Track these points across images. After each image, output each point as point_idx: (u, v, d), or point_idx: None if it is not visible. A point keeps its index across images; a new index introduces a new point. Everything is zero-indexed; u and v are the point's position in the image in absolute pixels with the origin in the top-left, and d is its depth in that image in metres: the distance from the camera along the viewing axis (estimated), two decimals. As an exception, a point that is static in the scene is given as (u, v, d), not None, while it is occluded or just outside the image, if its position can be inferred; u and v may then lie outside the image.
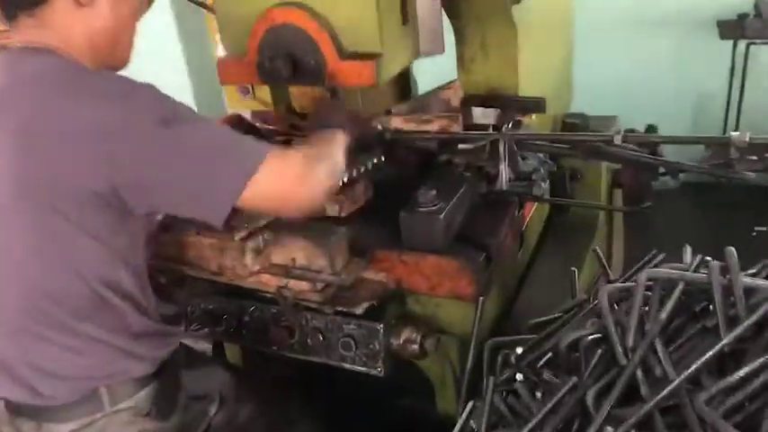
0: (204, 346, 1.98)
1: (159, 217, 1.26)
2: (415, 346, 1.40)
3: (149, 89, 1.05)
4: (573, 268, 1.47)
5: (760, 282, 0.96)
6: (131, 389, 1.15)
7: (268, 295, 1.38)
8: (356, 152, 1.46)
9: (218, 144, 1.05)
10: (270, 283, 1.33)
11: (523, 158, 1.68)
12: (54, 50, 1.10)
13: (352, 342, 1.42)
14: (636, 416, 0.88)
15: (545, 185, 1.57)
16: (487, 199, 1.58)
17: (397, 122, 1.66)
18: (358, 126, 1.46)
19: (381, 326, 1.39)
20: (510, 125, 1.59)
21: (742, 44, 3.29)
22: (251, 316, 1.53)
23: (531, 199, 1.58)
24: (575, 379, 0.99)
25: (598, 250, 1.53)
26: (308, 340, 1.47)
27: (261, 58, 1.44)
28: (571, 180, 2.20)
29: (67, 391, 1.12)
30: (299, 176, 1.10)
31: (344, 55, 1.39)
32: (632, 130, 3.60)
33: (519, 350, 1.29)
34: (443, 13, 1.83)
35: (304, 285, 1.29)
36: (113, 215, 1.05)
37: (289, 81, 1.44)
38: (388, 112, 1.66)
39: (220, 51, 1.62)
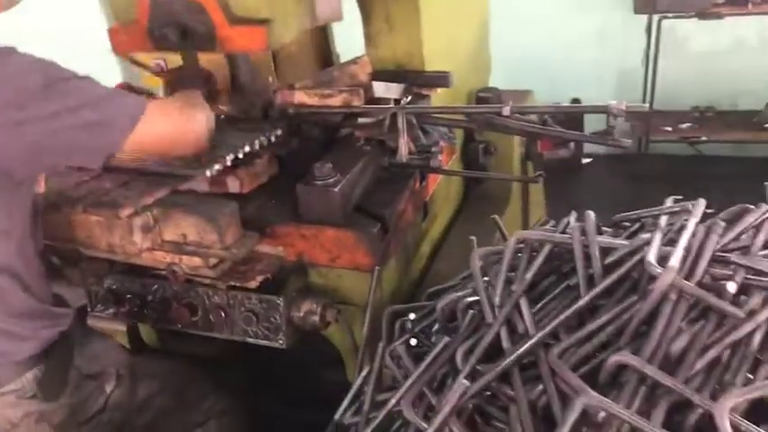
0: (118, 328, 1.96)
1: (41, 190, 1.23)
2: (316, 318, 1.42)
3: (29, 57, 1.06)
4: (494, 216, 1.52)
5: (616, 241, 1.01)
6: (16, 370, 1.13)
7: (165, 273, 1.37)
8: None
9: (103, 95, 1.12)
10: (164, 260, 1.32)
11: (425, 132, 1.71)
12: None
13: (254, 316, 1.43)
14: (494, 370, 0.92)
15: (441, 157, 1.60)
16: (390, 172, 1.60)
17: (300, 96, 1.66)
18: None
19: (281, 299, 1.40)
20: (409, 99, 1.62)
21: (656, 18, 3.40)
22: (154, 295, 1.52)
23: (429, 170, 1.61)
24: (447, 339, 1.03)
25: (497, 218, 1.58)
26: (211, 317, 1.48)
27: (151, 25, 1.42)
28: (485, 154, 2.26)
29: None
30: (182, 116, 1.23)
31: (234, 20, 1.38)
32: (556, 104, 3.69)
33: (412, 316, 1.33)
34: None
35: (197, 261, 1.29)
36: (3, 191, 1.05)
37: (180, 47, 1.43)
38: (292, 86, 1.66)
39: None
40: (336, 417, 1.22)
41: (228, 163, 1.38)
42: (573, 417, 0.79)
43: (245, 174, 1.54)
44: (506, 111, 1.45)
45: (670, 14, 3.30)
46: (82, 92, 1.10)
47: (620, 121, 3.61)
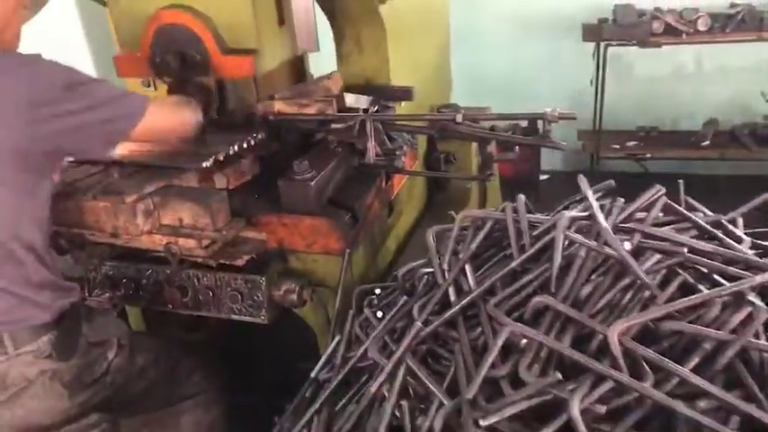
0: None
1: (56, 179, 1.42)
2: (294, 296, 1.62)
3: (55, 63, 1.28)
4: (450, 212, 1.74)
5: (541, 217, 1.25)
6: (33, 334, 1.31)
7: (162, 256, 1.56)
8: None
9: (114, 95, 1.35)
10: (161, 242, 1.52)
11: (391, 138, 1.95)
12: None
13: (239, 295, 1.63)
14: (443, 317, 1.14)
15: (404, 160, 1.83)
16: (359, 171, 1.83)
17: (279, 105, 1.88)
18: None
19: (263, 279, 1.60)
20: (376, 108, 1.85)
21: (603, 46, 3.72)
22: (148, 279, 1.71)
23: (392, 171, 1.83)
24: (405, 298, 1.24)
25: (453, 213, 1.81)
26: (200, 297, 1.67)
27: (153, 53, 1.64)
28: (446, 162, 2.51)
29: None
30: (174, 113, 1.53)
31: (226, 50, 1.61)
32: (515, 123, 3.95)
33: (377, 291, 1.54)
34: (322, 14, 2.08)
35: (191, 243, 1.48)
36: (31, 175, 1.24)
37: (178, 74, 1.64)
38: (272, 97, 1.87)
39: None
40: (313, 374, 1.42)
41: (221, 158, 1.58)
42: (500, 340, 1.00)
43: (231, 172, 1.74)
44: (459, 118, 1.69)
45: (614, 42, 3.62)
46: (97, 93, 1.31)
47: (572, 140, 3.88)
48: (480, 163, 2.65)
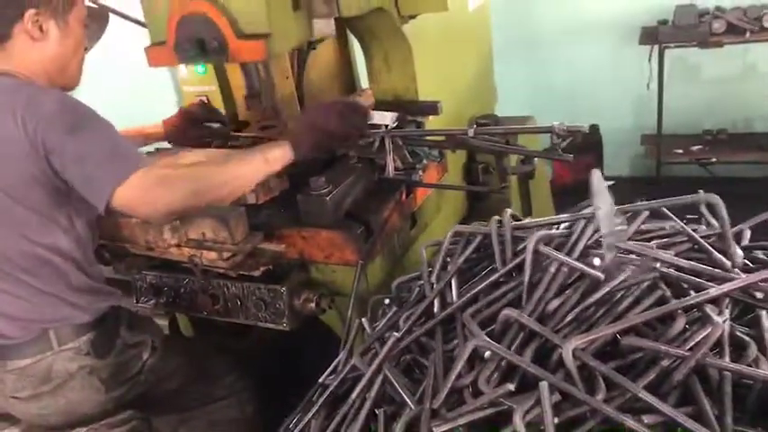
0: (161, 323, 2.32)
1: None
2: (312, 305, 1.72)
3: (64, 103, 1.38)
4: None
5: (525, 234, 1.28)
6: (75, 332, 1.48)
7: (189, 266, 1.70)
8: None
9: (105, 153, 1.34)
10: (189, 254, 1.66)
11: (415, 153, 2.01)
12: (15, 74, 1.44)
13: (262, 303, 1.74)
14: (423, 329, 1.20)
15: (422, 173, 1.89)
16: (379, 185, 1.90)
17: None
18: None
19: (284, 289, 1.71)
20: (396, 124, 1.92)
21: (664, 48, 3.61)
22: (185, 288, 1.86)
23: (410, 184, 1.90)
24: (396, 308, 1.31)
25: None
26: (229, 304, 1.80)
27: (176, 42, 1.77)
28: (485, 173, 2.54)
29: (21, 331, 1.45)
30: (145, 192, 1.33)
31: (240, 35, 1.71)
32: (577, 130, 3.93)
33: (386, 301, 1.61)
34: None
35: (213, 255, 1.62)
36: (49, 193, 1.39)
37: (199, 59, 1.77)
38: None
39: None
40: (321, 379, 1.50)
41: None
42: (467, 352, 1.05)
43: (260, 188, 1.86)
44: (471, 132, 1.73)
45: (672, 45, 3.50)
46: (91, 144, 1.34)
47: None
48: (520, 173, 2.70)
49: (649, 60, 3.62)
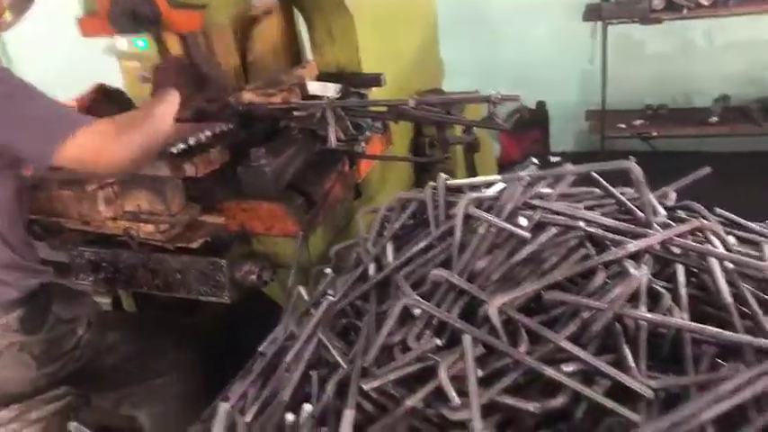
0: (104, 300, 2.27)
1: (28, 173, 1.54)
2: (254, 277, 1.71)
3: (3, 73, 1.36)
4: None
5: (456, 199, 1.30)
6: (2, 309, 1.44)
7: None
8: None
9: (49, 114, 1.35)
10: (125, 228, 1.63)
11: (358, 125, 2.01)
12: None
13: (203, 277, 1.73)
14: (359, 290, 1.21)
15: (364, 145, 1.89)
16: (322, 157, 1.90)
17: (248, 96, 1.97)
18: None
19: (224, 261, 1.70)
20: (339, 96, 1.92)
21: (607, 24, 3.68)
22: (124, 263, 1.83)
23: (353, 155, 1.90)
24: (331, 272, 1.32)
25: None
26: (169, 279, 1.78)
27: (109, 11, 1.73)
28: (430, 147, 2.56)
29: None
30: (109, 141, 1.35)
31: (175, 5, 1.68)
32: (524, 107, 4.01)
33: (328, 270, 1.62)
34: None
35: (150, 228, 1.59)
36: None
37: (133, 30, 1.73)
38: (242, 88, 1.96)
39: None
40: (260, 348, 1.50)
41: (189, 144, 1.66)
42: (397, 311, 1.07)
43: (199, 160, 1.84)
44: (411, 102, 1.74)
45: (614, 21, 3.58)
46: (32, 108, 1.35)
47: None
48: (466, 146, 2.72)
49: (593, 37, 3.68)
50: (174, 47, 2.45)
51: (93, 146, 1.32)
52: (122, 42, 2.49)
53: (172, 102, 1.59)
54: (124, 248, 1.78)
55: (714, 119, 3.77)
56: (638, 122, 3.96)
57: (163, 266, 1.77)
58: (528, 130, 4.32)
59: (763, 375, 0.88)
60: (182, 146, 1.64)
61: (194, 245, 1.61)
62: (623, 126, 3.91)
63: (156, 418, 1.81)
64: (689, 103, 4.19)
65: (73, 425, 1.52)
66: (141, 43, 2.46)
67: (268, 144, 1.79)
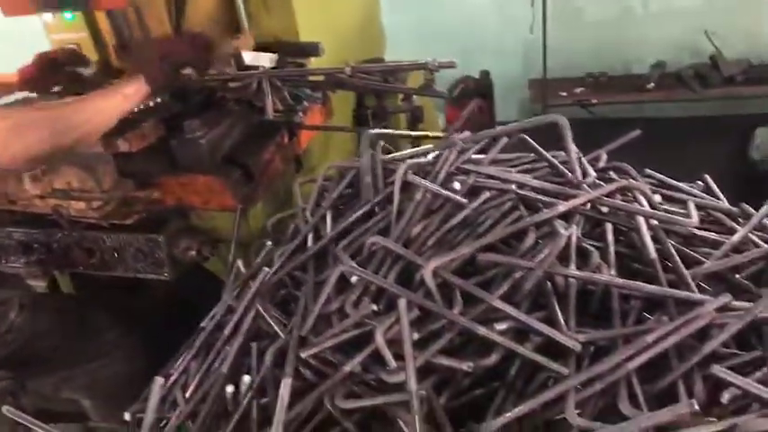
0: (40, 284, 2.20)
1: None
2: (193, 253, 1.68)
3: None
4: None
5: (395, 166, 1.29)
6: None
7: (71, 221, 1.62)
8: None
9: None
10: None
11: (297, 95, 1.98)
12: None
13: (141, 254, 1.69)
14: (297, 261, 1.20)
15: (302, 115, 1.87)
16: (260, 128, 1.87)
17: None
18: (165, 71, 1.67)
19: (162, 237, 1.66)
20: (274, 66, 1.88)
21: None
22: (58, 243, 1.77)
23: (292, 126, 1.87)
24: (270, 245, 1.31)
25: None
26: (105, 257, 1.73)
27: None
28: (373, 118, 2.54)
29: None
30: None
31: None
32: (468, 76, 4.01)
33: (269, 243, 1.60)
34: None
35: (82, 205, 1.54)
36: None
37: (57, 9, 1.66)
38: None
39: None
40: (202, 324, 1.48)
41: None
42: (333, 278, 1.07)
43: (132, 135, 1.78)
44: (348, 71, 1.72)
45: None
46: None
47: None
48: (410, 117, 2.72)
49: (532, 5, 3.71)
50: (104, 17, 2.37)
51: None
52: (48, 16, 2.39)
53: (127, 94, 1.51)
54: (56, 228, 1.72)
55: (651, 85, 3.87)
56: (578, 90, 4.03)
57: (98, 245, 1.72)
58: (473, 99, 4.33)
59: (684, 326, 0.92)
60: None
61: (129, 221, 1.57)
62: (564, 94, 3.97)
63: (98, 400, 1.77)
64: (627, 71, 4.28)
65: (5, 408, 1.47)
66: (69, 14, 2.37)
67: (203, 116, 1.74)
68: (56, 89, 1.98)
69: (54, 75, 1.97)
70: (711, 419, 0.84)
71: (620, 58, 4.25)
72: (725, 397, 0.86)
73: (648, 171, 1.42)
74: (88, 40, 2.37)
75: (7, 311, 1.51)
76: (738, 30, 3.97)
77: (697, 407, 0.80)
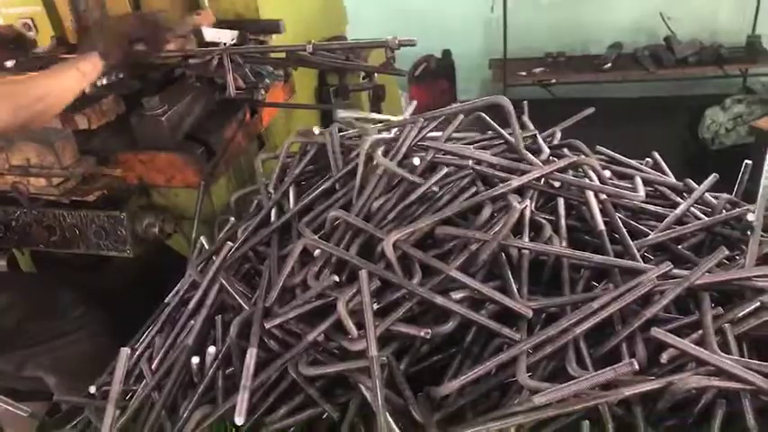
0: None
1: None
2: (156, 230, 1.68)
3: None
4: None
5: (354, 143, 1.33)
6: None
7: (31, 198, 1.59)
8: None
9: None
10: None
11: (259, 73, 1.98)
12: None
13: (103, 232, 1.68)
14: (261, 236, 1.23)
15: (264, 93, 1.87)
16: (222, 105, 1.86)
17: (141, 44, 1.89)
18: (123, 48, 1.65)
19: (123, 214, 1.66)
20: (234, 42, 1.87)
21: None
22: (17, 221, 1.75)
23: (253, 103, 1.88)
24: (233, 220, 1.33)
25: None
26: (66, 235, 1.72)
27: None
28: (336, 96, 2.55)
29: None
30: None
31: None
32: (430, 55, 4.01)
33: (231, 219, 1.62)
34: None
35: (42, 182, 1.53)
36: None
37: None
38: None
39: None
40: (167, 299, 1.50)
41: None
42: (297, 251, 1.10)
43: (91, 112, 1.76)
44: (309, 48, 1.73)
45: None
46: None
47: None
48: (372, 95, 2.74)
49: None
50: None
51: None
52: (-2, -15, 2.32)
53: (84, 70, 1.47)
54: (15, 205, 1.70)
55: (608, 66, 3.96)
56: (538, 70, 4.10)
57: (59, 223, 1.71)
58: (436, 79, 4.37)
59: (629, 293, 0.98)
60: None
61: (90, 198, 1.56)
62: (524, 74, 4.04)
63: (62, 378, 1.77)
64: (585, 51, 4.37)
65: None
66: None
67: (163, 93, 1.73)
68: (8, 64, 1.94)
69: (2, 51, 1.93)
70: (650, 378, 0.90)
71: (578, 38, 4.33)
72: (664, 357, 0.93)
73: (600, 148, 1.48)
74: (43, 15, 2.32)
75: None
76: (692, 13, 4.08)
77: (637, 366, 0.86)
